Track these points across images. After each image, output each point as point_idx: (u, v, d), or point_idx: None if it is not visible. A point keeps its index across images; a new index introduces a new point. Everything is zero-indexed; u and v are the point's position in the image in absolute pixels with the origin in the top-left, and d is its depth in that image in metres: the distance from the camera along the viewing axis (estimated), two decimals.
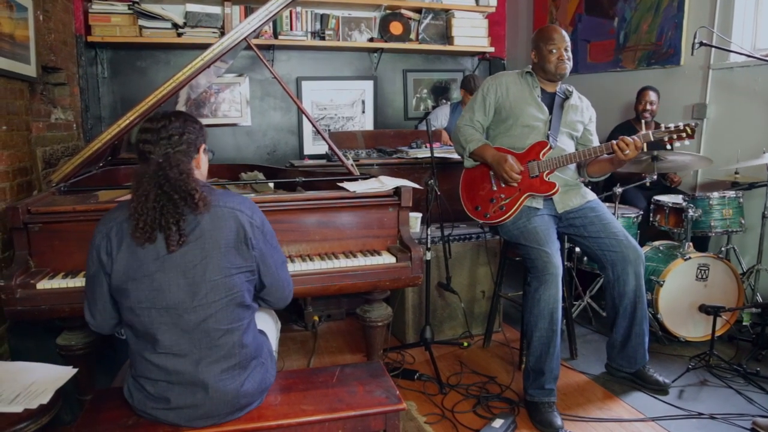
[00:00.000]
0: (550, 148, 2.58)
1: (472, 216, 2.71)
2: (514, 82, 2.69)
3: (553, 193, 2.57)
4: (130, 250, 1.48)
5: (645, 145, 2.44)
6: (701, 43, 2.96)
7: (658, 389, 2.60)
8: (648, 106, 3.74)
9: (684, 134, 2.40)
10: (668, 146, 2.46)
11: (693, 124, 2.40)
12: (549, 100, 2.66)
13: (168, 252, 1.47)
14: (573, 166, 2.67)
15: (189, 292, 1.48)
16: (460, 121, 2.77)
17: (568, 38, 2.61)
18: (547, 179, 2.57)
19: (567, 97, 2.69)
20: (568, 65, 2.59)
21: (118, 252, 1.49)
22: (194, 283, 1.48)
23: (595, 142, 2.76)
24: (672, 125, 2.42)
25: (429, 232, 2.83)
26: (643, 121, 2.93)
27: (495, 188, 2.64)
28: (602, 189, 3.64)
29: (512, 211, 2.58)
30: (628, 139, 2.41)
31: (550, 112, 2.62)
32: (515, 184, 2.57)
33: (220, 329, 1.51)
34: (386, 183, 2.39)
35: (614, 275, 2.55)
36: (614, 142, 2.44)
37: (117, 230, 1.50)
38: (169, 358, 1.49)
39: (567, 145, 2.66)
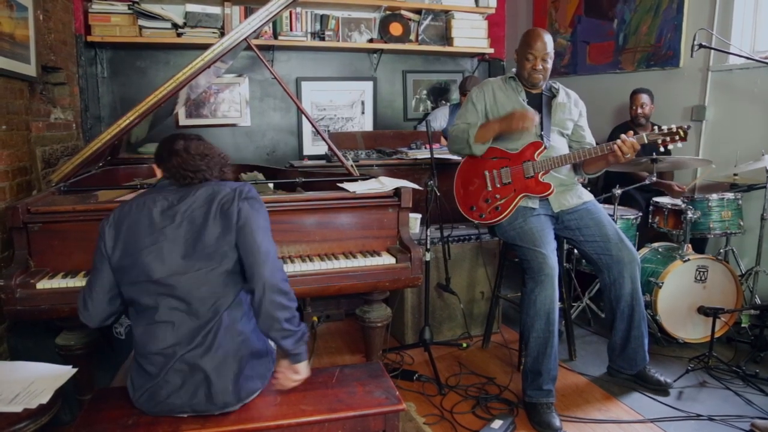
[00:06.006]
0: (545, 148, 2.58)
1: (467, 216, 2.71)
2: (499, 88, 2.70)
3: (549, 194, 2.57)
4: (130, 229, 1.58)
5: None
6: (700, 45, 2.96)
7: (660, 389, 2.60)
8: (639, 109, 3.76)
9: (677, 137, 2.41)
10: (662, 149, 2.47)
11: (686, 126, 2.41)
12: (536, 100, 2.67)
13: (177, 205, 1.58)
14: (568, 165, 2.68)
15: (181, 264, 1.55)
16: (453, 126, 2.75)
17: (551, 46, 2.59)
18: (542, 180, 2.58)
19: (554, 95, 2.70)
20: (542, 75, 2.60)
21: (119, 234, 1.58)
22: (186, 255, 1.55)
23: (588, 137, 2.76)
24: (665, 128, 2.44)
25: (428, 233, 2.83)
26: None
27: (490, 188, 2.64)
28: (601, 190, 3.64)
29: (508, 211, 2.58)
30: (628, 140, 2.42)
31: (539, 112, 2.63)
32: (532, 127, 2.47)
33: (216, 294, 1.56)
34: (386, 184, 2.39)
35: (610, 278, 2.56)
36: (616, 143, 2.44)
37: (121, 217, 1.60)
38: (168, 327, 1.54)
39: (559, 143, 2.66)
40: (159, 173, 1.72)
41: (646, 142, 2.45)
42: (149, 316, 1.56)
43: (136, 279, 1.55)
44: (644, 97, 3.75)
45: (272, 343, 1.83)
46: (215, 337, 1.55)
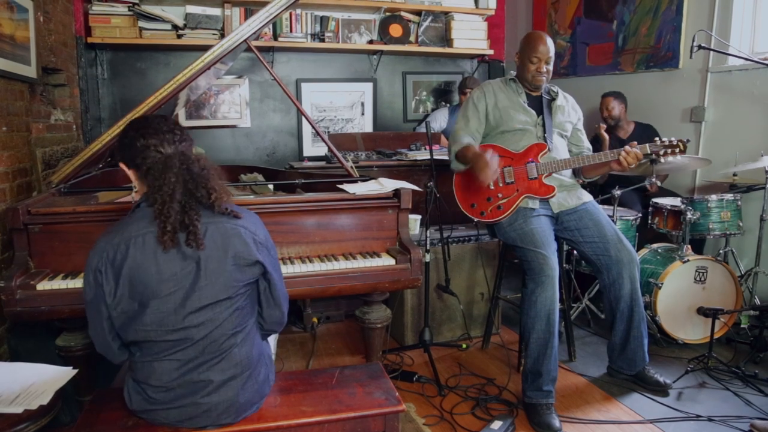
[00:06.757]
0: (549, 150, 2.60)
1: (466, 213, 2.71)
2: (500, 89, 2.72)
3: (552, 197, 2.59)
4: (133, 276, 1.44)
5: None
6: (700, 47, 2.97)
7: (659, 390, 2.61)
8: (606, 112, 3.87)
9: (677, 149, 2.53)
10: (662, 160, 2.56)
11: (685, 140, 2.54)
12: (536, 102, 2.69)
13: (191, 248, 1.44)
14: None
15: (197, 312, 1.47)
16: (456, 127, 2.76)
17: (552, 49, 2.63)
18: (545, 182, 2.59)
19: (553, 98, 2.73)
20: (545, 78, 2.64)
21: (119, 279, 1.44)
22: (198, 304, 1.47)
23: (585, 141, 2.81)
24: (666, 140, 2.54)
25: (428, 234, 2.83)
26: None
27: (492, 187, 2.65)
28: (600, 191, 3.65)
29: (509, 211, 2.59)
30: (632, 150, 2.50)
31: (539, 114, 2.66)
32: (490, 184, 2.51)
33: (225, 334, 1.52)
34: (386, 185, 2.40)
35: (609, 279, 2.57)
36: (620, 153, 2.51)
37: (117, 258, 1.44)
38: (173, 363, 1.50)
39: (559, 144, 2.69)
40: (135, 180, 1.55)
41: (648, 152, 2.54)
42: (156, 353, 1.49)
43: (146, 327, 1.46)
44: (612, 101, 3.87)
45: (272, 349, 1.84)
46: (223, 372, 1.52)
